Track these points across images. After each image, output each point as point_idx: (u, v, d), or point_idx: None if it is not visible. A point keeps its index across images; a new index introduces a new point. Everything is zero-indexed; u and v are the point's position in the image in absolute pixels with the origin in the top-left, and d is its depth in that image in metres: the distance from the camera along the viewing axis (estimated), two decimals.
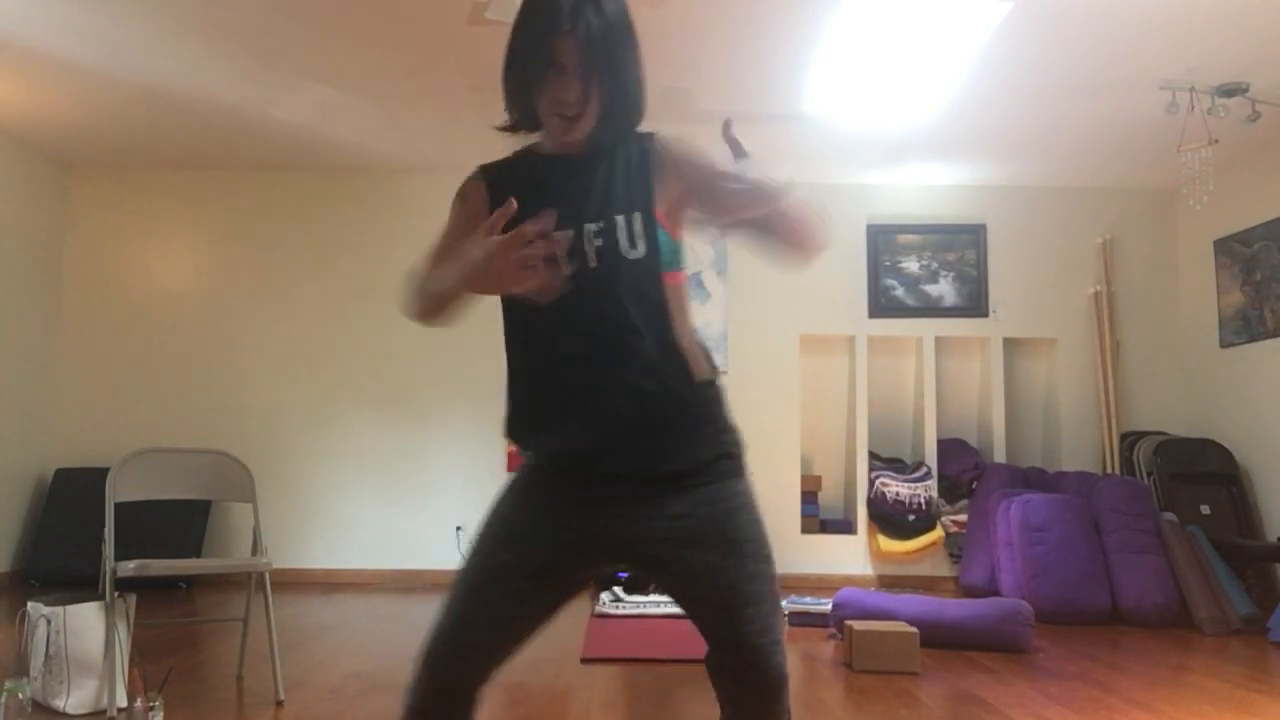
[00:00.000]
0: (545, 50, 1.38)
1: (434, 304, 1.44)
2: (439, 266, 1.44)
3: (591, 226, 1.40)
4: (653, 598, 5.08)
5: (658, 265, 1.41)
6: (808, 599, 4.82)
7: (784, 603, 4.83)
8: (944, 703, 3.11)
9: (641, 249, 1.40)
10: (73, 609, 2.84)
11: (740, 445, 1.46)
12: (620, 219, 1.40)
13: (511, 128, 1.51)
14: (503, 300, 1.44)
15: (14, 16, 4.19)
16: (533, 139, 1.52)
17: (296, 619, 4.57)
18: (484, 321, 6.25)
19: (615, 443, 1.39)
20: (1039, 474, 5.83)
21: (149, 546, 4.08)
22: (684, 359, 1.41)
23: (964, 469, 6.07)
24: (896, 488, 5.95)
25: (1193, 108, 4.82)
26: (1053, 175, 6.17)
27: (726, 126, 1.48)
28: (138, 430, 6.02)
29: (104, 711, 2.77)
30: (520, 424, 1.51)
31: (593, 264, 1.38)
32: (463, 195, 1.51)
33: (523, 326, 1.44)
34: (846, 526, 6.20)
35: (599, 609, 4.87)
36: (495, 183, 1.50)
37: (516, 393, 1.50)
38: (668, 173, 1.45)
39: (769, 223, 1.46)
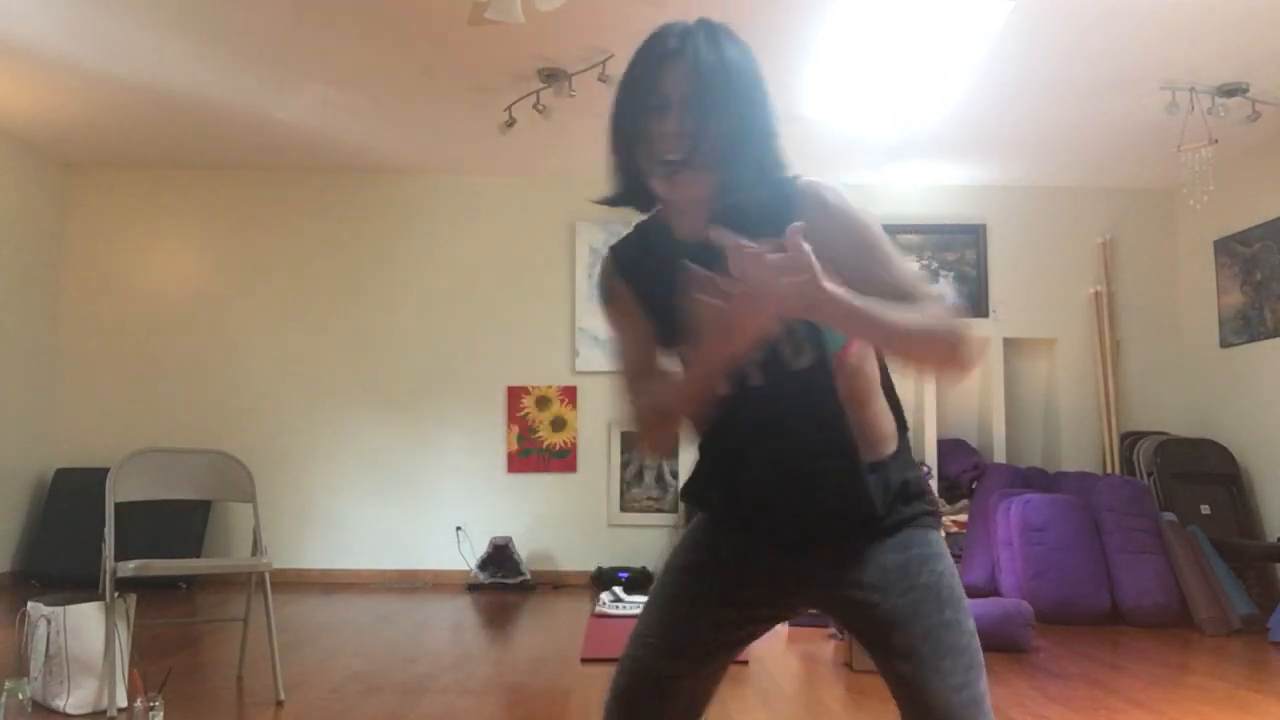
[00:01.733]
0: (651, 82, 1.21)
1: (672, 414, 1.26)
2: (651, 382, 1.29)
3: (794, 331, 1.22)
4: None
5: (828, 374, 1.24)
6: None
7: None
8: None
9: (808, 357, 1.23)
10: (73, 609, 2.84)
11: (931, 500, 1.33)
12: (782, 324, 1.20)
13: (615, 200, 1.30)
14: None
15: (14, 16, 4.19)
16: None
17: (296, 619, 4.57)
18: (483, 321, 6.27)
19: (792, 534, 1.29)
20: (1039, 474, 5.83)
21: (149, 546, 4.08)
22: (862, 461, 1.25)
23: (964, 469, 6.07)
24: None
25: (1193, 108, 4.82)
26: (1053, 175, 6.17)
27: (795, 232, 1.08)
28: (138, 430, 6.02)
29: (104, 711, 2.77)
30: (706, 499, 1.37)
31: (756, 382, 1.24)
32: (612, 300, 1.34)
33: (710, 428, 1.31)
34: None
35: (599, 609, 4.86)
36: (635, 278, 1.32)
37: (703, 472, 1.36)
38: (819, 237, 1.14)
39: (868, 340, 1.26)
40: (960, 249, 6.34)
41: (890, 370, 1.34)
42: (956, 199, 6.39)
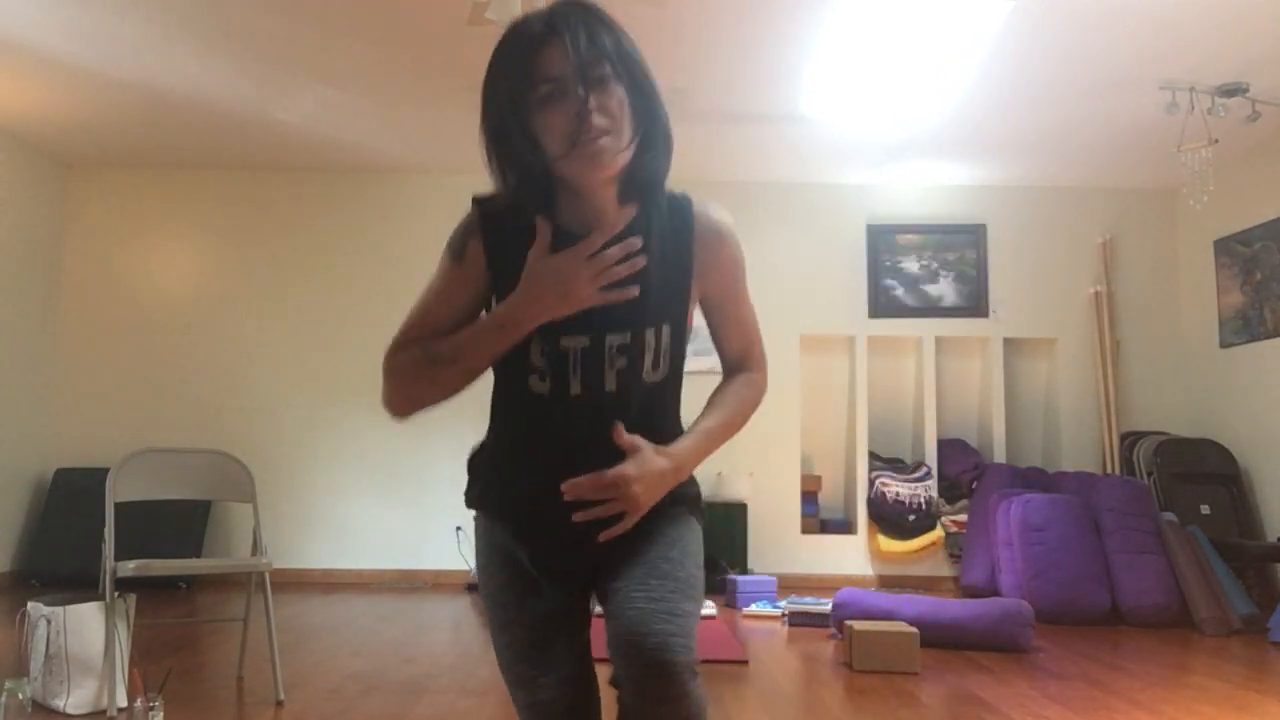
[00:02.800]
0: (531, 70, 1.14)
1: (445, 373, 1.24)
2: (441, 334, 1.28)
3: (615, 339, 1.22)
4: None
5: (676, 384, 1.28)
6: (808, 599, 4.82)
7: (784, 603, 4.83)
8: (944, 703, 3.11)
9: (663, 370, 1.25)
10: (73, 609, 2.84)
11: (697, 492, 1.37)
12: (649, 333, 1.23)
13: (510, 201, 1.24)
14: (505, 400, 1.31)
15: (14, 16, 4.19)
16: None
17: (296, 619, 4.57)
18: None
19: (584, 534, 1.26)
20: (1039, 474, 5.83)
21: (149, 546, 4.08)
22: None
23: (964, 469, 6.07)
24: (896, 488, 5.95)
25: (1193, 108, 4.82)
26: (1053, 175, 6.17)
27: (619, 435, 1.20)
28: (138, 430, 6.02)
29: (104, 711, 2.77)
30: (496, 502, 1.35)
31: (610, 387, 1.23)
32: (459, 254, 1.27)
33: (519, 411, 1.30)
34: (846, 526, 6.20)
35: (599, 609, 4.86)
36: (498, 249, 1.25)
37: (499, 470, 1.33)
38: (704, 271, 1.26)
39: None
40: (960, 249, 6.34)
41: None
42: (956, 199, 6.39)
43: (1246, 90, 4.70)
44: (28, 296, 5.91)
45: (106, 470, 3.06)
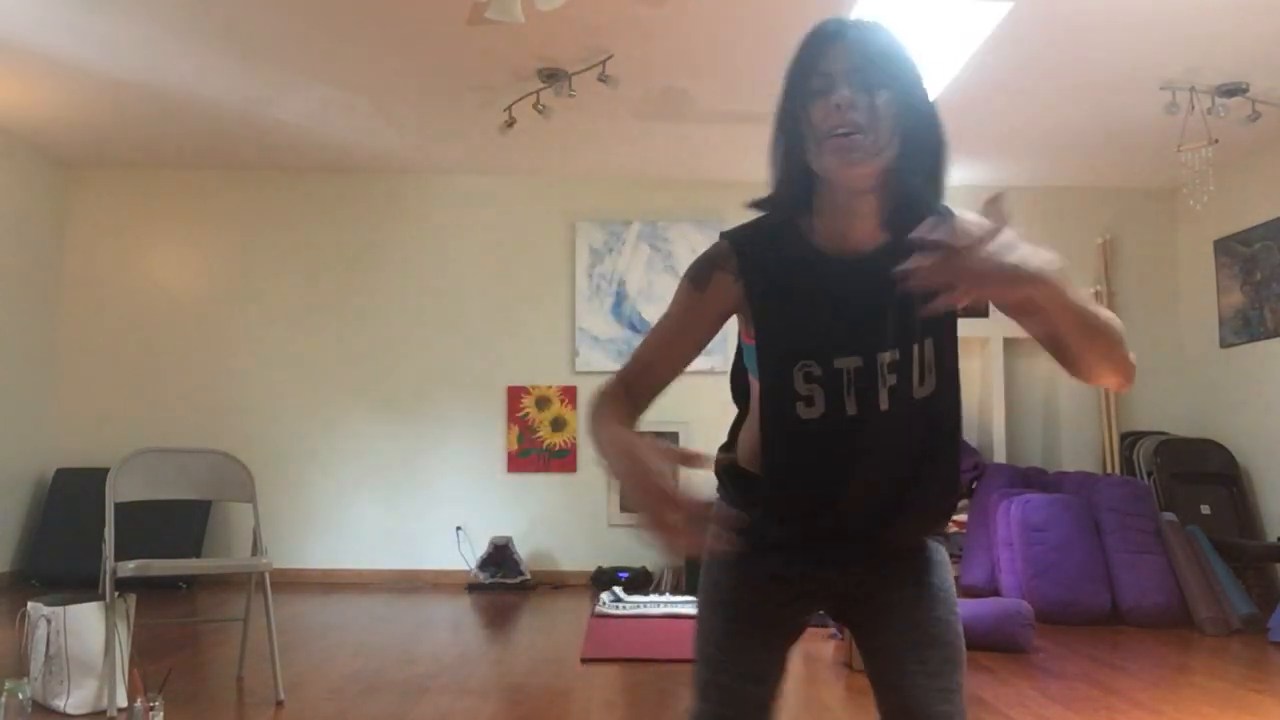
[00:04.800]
0: (813, 64, 1.19)
1: (599, 440, 1.18)
2: (636, 377, 1.25)
3: (886, 357, 1.20)
4: (653, 597, 5.08)
5: (955, 400, 1.24)
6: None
7: None
8: None
9: (930, 385, 1.22)
10: (73, 609, 2.84)
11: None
12: (916, 349, 1.20)
13: (772, 199, 1.24)
14: (771, 432, 1.26)
15: (14, 16, 4.19)
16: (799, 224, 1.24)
17: (296, 619, 4.57)
18: (483, 321, 6.27)
19: (865, 556, 1.29)
20: (1039, 474, 5.83)
21: (149, 546, 4.08)
22: (958, 480, 1.29)
23: (964, 469, 6.07)
24: None
25: (1193, 108, 4.82)
26: (1053, 175, 6.17)
27: (996, 202, 1.12)
28: (138, 430, 6.02)
29: (104, 711, 2.77)
30: (776, 530, 1.31)
31: (884, 406, 1.20)
32: (701, 283, 1.25)
33: (789, 438, 1.24)
34: None
35: (599, 609, 4.87)
36: (755, 276, 1.23)
37: (776, 486, 1.28)
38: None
39: (1056, 328, 1.23)
40: None
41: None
42: (956, 199, 6.37)
43: (1246, 90, 4.70)
44: (28, 296, 5.91)
45: (106, 470, 3.06)
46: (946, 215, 1.22)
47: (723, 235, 1.27)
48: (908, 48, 1.21)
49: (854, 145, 1.15)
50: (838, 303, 1.20)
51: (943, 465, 1.26)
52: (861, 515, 1.24)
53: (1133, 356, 1.25)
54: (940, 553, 1.33)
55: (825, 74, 1.17)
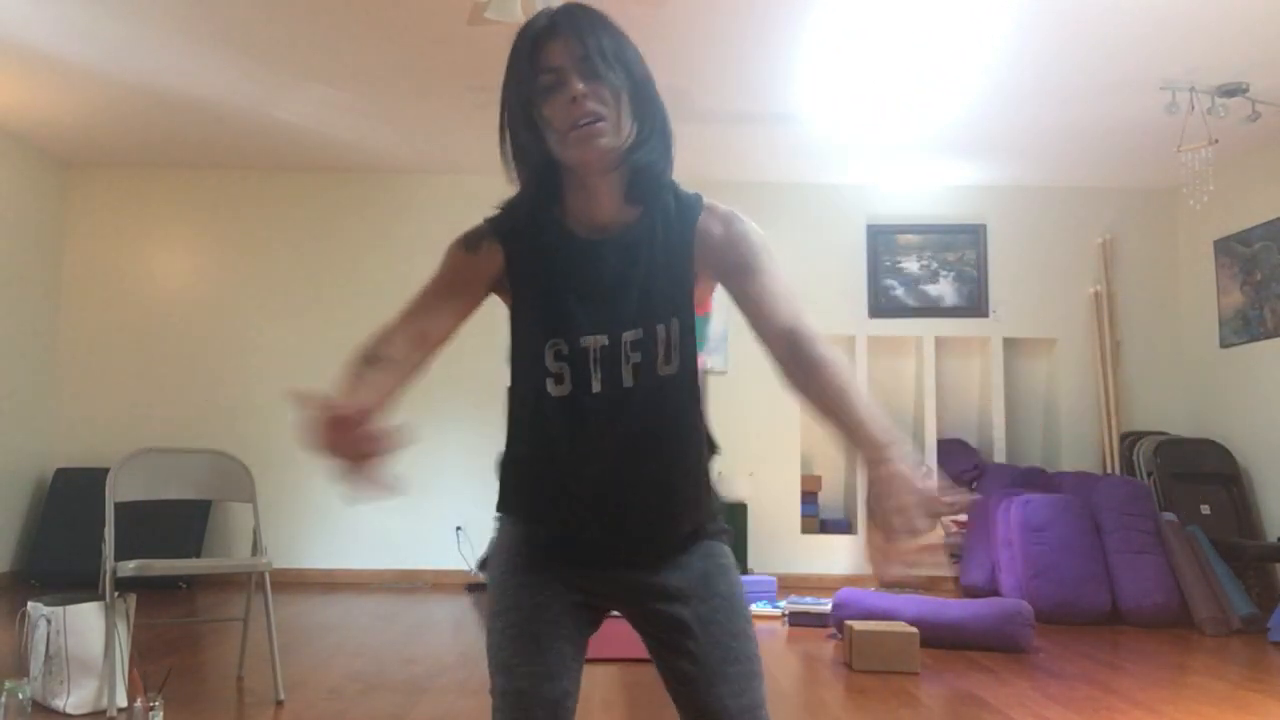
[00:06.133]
0: (536, 62, 1.20)
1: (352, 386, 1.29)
2: (402, 327, 1.29)
3: (630, 335, 1.24)
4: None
5: (692, 378, 1.26)
6: (808, 599, 4.82)
7: (783, 603, 4.83)
8: (944, 703, 3.11)
9: (675, 364, 1.25)
10: (73, 609, 2.84)
11: (724, 511, 1.39)
12: (660, 328, 1.24)
13: (520, 199, 1.28)
14: (516, 379, 1.31)
15: (14, 16, 4.19)
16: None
17: (296, 619, 4.57)
18: (483, 321, 6.26)
19: (625, 546, 1.30)
20: (1039, 474, 5.83)
21: (149, 546, 4.08)
22: (708, 473, 1.30)
23: (964, 469, 6.07)
24: None
25: (1193, 108, 4.82)
26: (1053, 175, 6.17)
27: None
28: (138, 430, 6.02)
29: (104, 711, 2.77)
30: (522, 506, 1.35)
31: (628, 383, 1.24)
32: (471, 247, 1.29)
33: (537, 416, 1.28)
34: (846, 526, 6.20)
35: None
36: (515, 249, 1.28)
37: (521, 476, 1.33)
38: (707, 256, 1.26)
39: (832, 410, 1.24)
40: (960, 249, 6.34)
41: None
42: (956, 199, 6.39)
43: (1246, 90, 4.70)
44: (28, 296, 5.91)
45: (106, 470, 3.06)
46: (692, 200, 1.28)
47: (486, 220, 1.31)
48: (619, 28, 1.25)
49: (598, 132, 1.18)
50: (585, 282, 1.24)
51: (686, 444, 1.28)
52: (608, 499, 1.25)
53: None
54: (726, 556, 1.33)
55: (552, 69, 1.20)
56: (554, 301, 1.26)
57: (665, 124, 1.28)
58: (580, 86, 1.18)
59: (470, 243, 1.29)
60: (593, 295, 1.25)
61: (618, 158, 1.22)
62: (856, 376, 1.28)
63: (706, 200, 1.30)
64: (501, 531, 1.38)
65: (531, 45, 1.22)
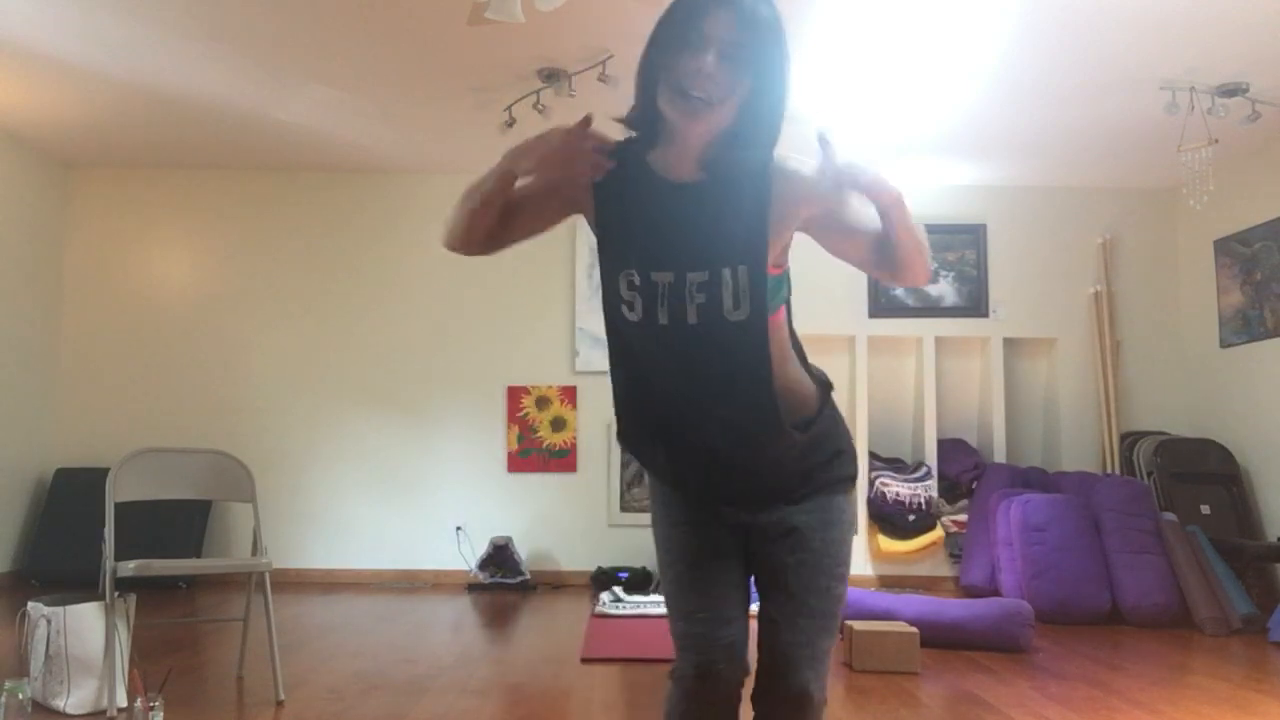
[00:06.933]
0: (696, 18, 1.28)
1: (481, 207, 1.38)
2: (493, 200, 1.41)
3: (695, 277, 1.32)
4: (653, 597, 5.08)
5: (761, 327, 1.33)
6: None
7: None
8: (944, 703, 3.11)
9: (745, 310, 1.31)
10: (73, 609, 2.84)
11: (853, 464, 1.47)
12: (727, 273, 1.31)
13: (629, 121, 1.40)
14: (605, 301, 1.42)
15: (15, 16, 4.19)
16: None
17: (296, 619, 4.57)
18: (483, 321, 6.27)
19: (717, 481, 1.42)
20: (1039, 474, 5.83)
21: (149, 546, 4.08)
22: (780, 411, 1.36)
23: (964, 469, 6.07)
24: (896, 488, 5.95)
25: (1193, 108, 4.82)
26: (1053, 175, 6.17)
27: (824, 139, 1.28)
28: (138, 430, 6.02)
29: (104, 711, 2.77)
30: (632, 442, 1.49)
31: (692, 320, 1.33)
32: (580, 160, 1.38)
33: (618, 338, 1.42)
34: None
35: (599, 609, 4.87)
36: (607, 181, 1.39)
37: (625, 413, 1.46)
38: (786, 209, 1.33)
39: (888, 238, 1.37)
40: (960, 249, 6.34)
41: (798, 340, 1.46)
42: (956, 199, 6.39)
43: (1246, 90, 4.70)
44: (28, 296, 5.91)
45: (106, 470, 3.06)
46: (770, 157, 1.36)
47: (617, 143, 1.41)
48: (784, 32, 1.32)
49: (700, 110, 1.27)
50: (658, 220, 1.34)
51: (759, 389, 1.34)
52: (690, 434, 1.38)
53: (932, 265, 1.48)
54: (833, 510, 1.42)
55: (704, 34, 1.27)
56: (628, 234, 1.35)
57: (772, 129, 1.35)
58: (711, 61, 1.26)
59: (584, 154, 1.38)
60: (663, 233, 1.33)
61: (708, 134, 1.31)
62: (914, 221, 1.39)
63: (777, 157, 1.36)
64: (649, 479, 1.52)
65: (702, 4, 1.28)
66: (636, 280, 1.35)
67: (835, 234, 1.39)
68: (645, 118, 1.36)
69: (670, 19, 1.31)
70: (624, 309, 1.36)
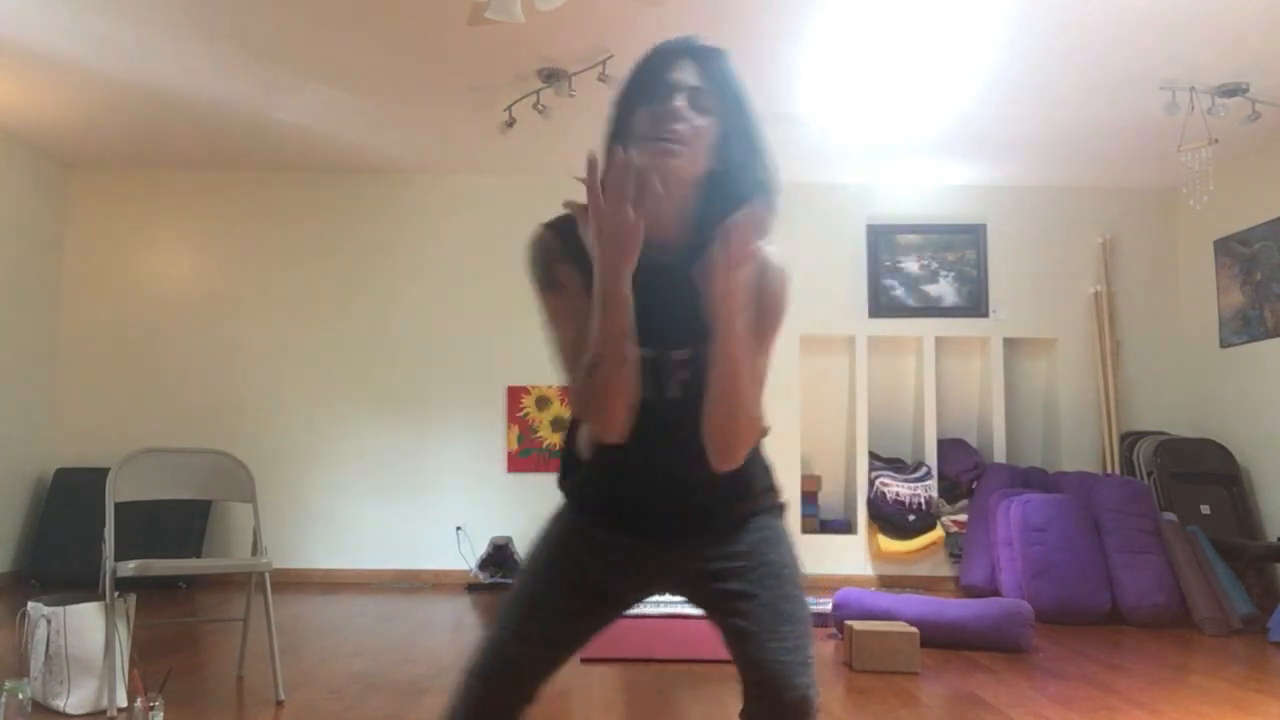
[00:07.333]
0: (663, 70, 1.31)
1: (600, 374, 1.28)
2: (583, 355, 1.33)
3: (679, 355, 1.34)
4: (652, 597, 5.07)
5: None
6: (808, 599, 4.81)
7: None
8: (944, 703, 3.11)
9: None
10: (73, 609, 2.84)
11: (779, 493, 1.50)
12: (706, 350, 1.30)
13: (572, 211, 1.35)
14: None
15: (14, 16, 4.19)
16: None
17: (296, 619, 4.57)
18: (483, 321, 6.26)
19: (673, 539, 1.43)
20: (1039, 474, 5.83)
21: (149, 546, 4.08)
22: (748, 483, 1.41)
23: (964, 469, 6.07)
24: (896, 488, 5.95)
25: (1193, 108, 4.82)
26: (1053, 175, 6.17)
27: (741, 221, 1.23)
28: (138, 430, 6.02)
29: (104, 711, 2.77)
30: (580, 493, 1.48)
31: (671, 395, 1.35)
32: (553, 284, 1.34)
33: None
34: (846, 526, 6.20)
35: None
36: (581, 259, 1.31)
37: (583, 469, 1.45)
38: (756, 294, 1.33)
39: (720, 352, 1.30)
40: (960, 249, 6.34)
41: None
42: (956, 199, 6.39)
43: (1246, 90, 4.70)
44: (28, 296, 5.91)
45: (106, 470, 3.06)
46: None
47: (542, 225, 1.37)
48: (742, 80, 1.36)
49: (671, 152, 1.27)
50: (639, 298, 1.28)
51: (712, 476, 1.35)
52: (666, 491, 1.38)
53: (744, 446, 1.35)
54: (775, 528, 1.44)
55: (668, 83, 1.30)
56: None
57: (757, 178, 1.34)
58: (680, 104, 1.28)
59: (548, 281, 1.35)
60: (646, 311, 1.29)
61: (683, 184, 1.31)
62: (748, 387, 1.33)
63: (767, 246, 1.35)
64: (561, 513, 1.50)
65: (662, 57, 1.33)
66: None
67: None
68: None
69: (636, 77, 1.34)
70: None
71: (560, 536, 1.47)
